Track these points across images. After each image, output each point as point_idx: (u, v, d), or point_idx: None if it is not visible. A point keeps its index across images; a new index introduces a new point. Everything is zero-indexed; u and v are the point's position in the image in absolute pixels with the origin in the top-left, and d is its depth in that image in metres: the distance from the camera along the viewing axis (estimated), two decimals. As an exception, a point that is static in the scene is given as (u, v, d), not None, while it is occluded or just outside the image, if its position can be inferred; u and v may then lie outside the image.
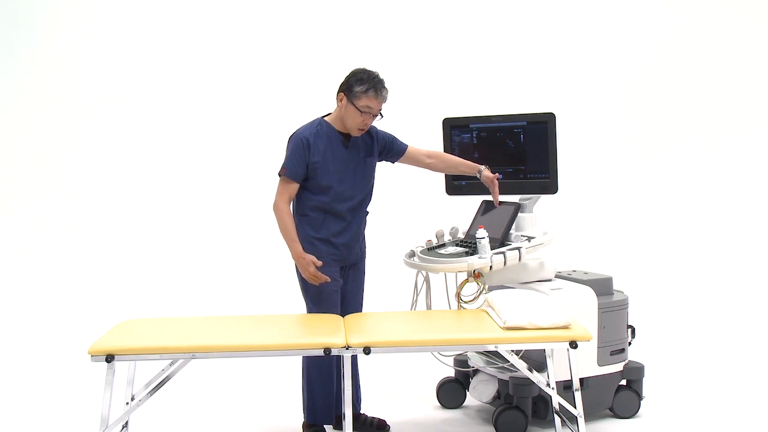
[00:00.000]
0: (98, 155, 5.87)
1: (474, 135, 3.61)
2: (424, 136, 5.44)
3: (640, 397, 3.51)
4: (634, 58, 6.10)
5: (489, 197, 3.64)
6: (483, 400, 3.51)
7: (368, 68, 3.19)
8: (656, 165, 6.12)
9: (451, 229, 3.66)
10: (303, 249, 3.14)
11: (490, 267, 3.21)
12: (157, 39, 5.89)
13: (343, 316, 3.18)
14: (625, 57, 6.10)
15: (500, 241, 3.38)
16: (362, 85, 3.10)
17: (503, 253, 3.24)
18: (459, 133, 3.64)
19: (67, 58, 5.87)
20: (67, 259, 5.73)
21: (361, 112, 3.12)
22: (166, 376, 2.81)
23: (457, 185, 3.69)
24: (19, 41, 5.85)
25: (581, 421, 2.88)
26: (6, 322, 5.22)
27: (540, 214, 3.61)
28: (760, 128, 6.09)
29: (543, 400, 3.29)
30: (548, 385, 3.03)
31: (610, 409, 3.49)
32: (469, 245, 3.42)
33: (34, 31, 5.85)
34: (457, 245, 3.50)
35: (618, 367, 3.45)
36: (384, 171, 6.29)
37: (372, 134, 3.33)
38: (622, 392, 3.48)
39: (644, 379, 3.54)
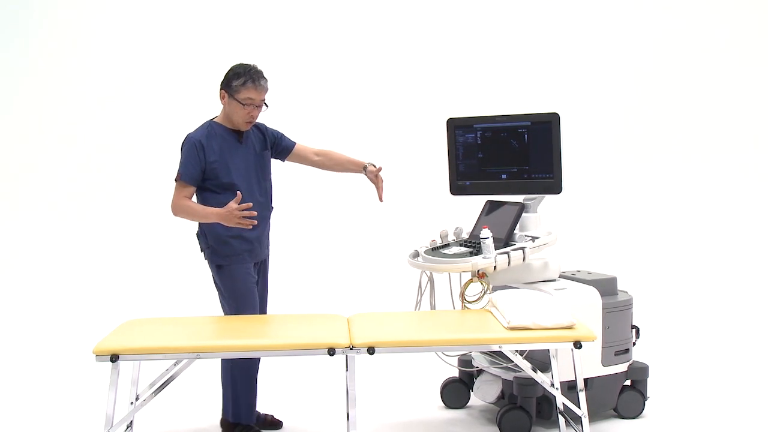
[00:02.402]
0: (101, 155, 5.89)
1: (478, 135, 3.61)
2: (428, 137, 5.47)
3: (644, 397, 3.51)
4: (638, 58, 6.09)
5: (494, 197, 3.64)
6: (487, 401, 3.51)
7: (245, 62, 3.22)
8: (660, 165, 6.11)
9: (455, 229, 3.66)
10: (218, 249, 3.17)
11: (494, 267, 3.21)
12: (155, 39, 5.91)
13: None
14: (629, 57, 6.09)
15: (504, 241, 3.38)
16: (239, 79, 3.14)
17: (507, 253, 3.23)
18: (463, 134, 3.64)
19: (67, 59, 5.89)
20: (72, 259, 5.75)
21: (244, 105, 3.15)
22: (171, 376, 2.81)
23: (461, 185, 3.68)
24: (18, 41, 5.86)
25: (585, 421, 2.87)
26: (11, 322, 5.23)
27: (544, 214, 3.61)
28: (765, 129, 6.08)
29: (547, 400, 3.29)
30: (552, 385, 3.02)
31: (615, 410, 3.48)
32: (473, 245, 3.42)
33: (34, 31, 5.87)
34: (461, 245, 3.50)
35: (622, 368, 3.44)
36: (388, 170, 6.30)
37: (261, 129, 3.38)
38: (626, 392, 3.48)
39: (648, 379, 3.53)
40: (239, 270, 3.20)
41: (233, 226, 3.04)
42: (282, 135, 3.45)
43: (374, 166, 3.47)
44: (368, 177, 3.49)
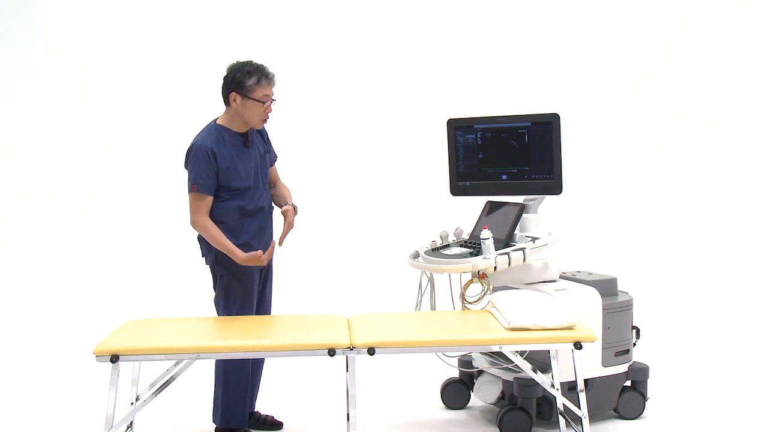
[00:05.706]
0: (102, 155, 5.88)
1: (478, 136, 3.61)
2: (428, 137, 5.46)
3: (644, 398, 3.51)
4: (640, 58, 6.09)
5: (494, 198, 3.64)
6: (487, 401, 3.51)
7: (242, 60, 3.19)
8: (661, 166, 6.10)
9: (456, 229, 3.66)
10: (222, 259, 3.12)
11: (495, 268, 3.21)
12: (154, 40, 5.91)
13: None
14: (630, 57, 6.09)
15: (505, 241, 3.38)
16: (251, 78, 3.11)
17: (507, 253, 3.24)
18: (463, 134, 3.64)
19: (67, 58, 5.88)
20: (72, 260, 5.74)
21: (262, 102, 3.13)
22: (171, 377, 2.81)
23: (461, 186, 3.69)
24: (18, 41, 5.86)
25: (586, 422, 2.87)
26: (11, 323, 5.23)
27: (544, 214, 3.61)
28: (766, 131, 6.08)
29: (547, 400, 3.29)
30: (553, 386, 3.03)
31: (615, 410, 3.48)
32: (474, 246, 3.42)
33: (34, 31, 5.87)
34: (461, 246, 3.50)
35: (623, 368, 3.44)
36: (388, 171, 6.28)
37: (261, 132, 3.35)
38: (626, 393, 3.48)
39: (649, 380, 3.53)
40: (243, 281, 3.17)
41: (256, 265, 3.09)
42: (270, 143, 3.42)
43: (292, 207, 3.31)
44: (282, 213, 3.38)
